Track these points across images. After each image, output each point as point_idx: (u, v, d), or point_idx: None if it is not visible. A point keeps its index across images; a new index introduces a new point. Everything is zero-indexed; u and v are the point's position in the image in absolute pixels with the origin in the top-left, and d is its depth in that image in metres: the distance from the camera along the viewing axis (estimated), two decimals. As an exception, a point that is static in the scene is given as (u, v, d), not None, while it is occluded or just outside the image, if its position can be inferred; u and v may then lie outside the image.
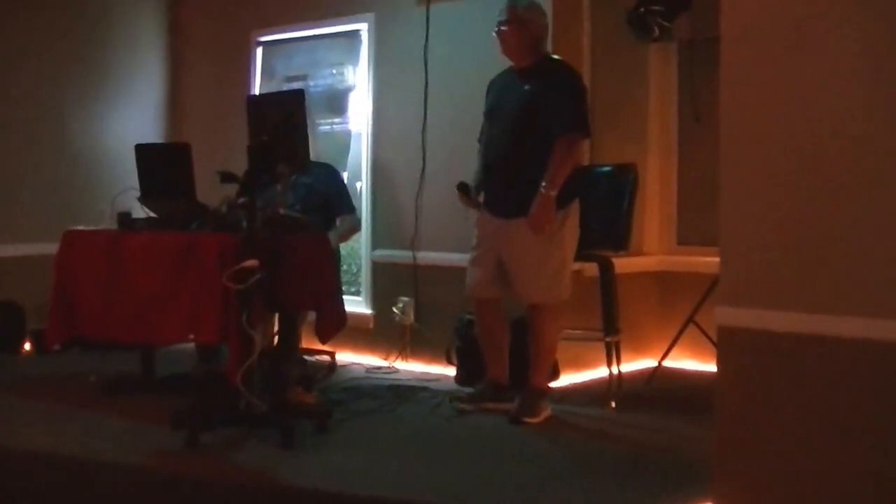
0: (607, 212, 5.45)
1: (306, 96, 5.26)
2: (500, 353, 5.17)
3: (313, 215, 5.60)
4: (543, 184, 4.77)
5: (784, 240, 3.18)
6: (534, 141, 4.85)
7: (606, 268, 5.39)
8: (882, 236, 3.01)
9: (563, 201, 4.83)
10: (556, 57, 5.12)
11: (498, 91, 5.10)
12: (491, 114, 5.09)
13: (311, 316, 5.51)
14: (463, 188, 5.08)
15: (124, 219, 5.51)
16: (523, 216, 4.83)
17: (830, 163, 3.09)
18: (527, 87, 4.92)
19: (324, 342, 5.38)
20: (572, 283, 5.02)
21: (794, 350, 3.15)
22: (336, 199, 6.10)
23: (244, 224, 4.64)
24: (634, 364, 6.06)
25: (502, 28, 4.97)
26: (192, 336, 5.01)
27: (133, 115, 6.86)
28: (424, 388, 5.59)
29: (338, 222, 6.11)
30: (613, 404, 5.18)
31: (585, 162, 5.52)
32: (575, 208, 4.94)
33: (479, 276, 5.06)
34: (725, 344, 3.32)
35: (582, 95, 4.94)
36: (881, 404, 3.01)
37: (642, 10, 5.74)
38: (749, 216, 3.25)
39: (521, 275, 4.92)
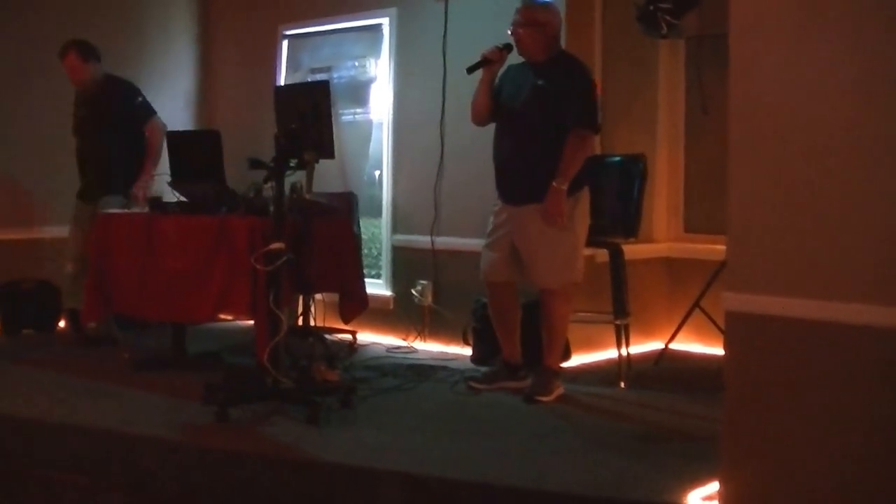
0: (618, 200, 5.53)
1: (330, 87, 5.41)
2: (513, 334, 5.22)
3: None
4: (555, 179, 4.85)
5: (791, 227, 3.16)
6: (544, 133, 4.94)
7: (617, 254, 5.48)
8: (890, 223, 3.00)
9: (572, 189, 4.91)
10: (570, 53, 5.19)
11: (512, 83, 5.14)
12: (503, 105, 5.13)
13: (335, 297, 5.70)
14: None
15: (156, 203, 5.67)
16: (535, 203, 4.91)
17: (838, 150, 3.08)
18: (540, 82, 4.98)
19: (346, 322, 5.58)
20: (584, 268, 5.10)
21: (799, 336, 3.14)
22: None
23: (271, 208, 4.76)
24: (643, 346, 6.12)
25: (518, 30, 5.02)
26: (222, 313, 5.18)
27: (165, 103, 6.91)
28: (443, 367, 5.68)
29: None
30: (623, 384, 5.27)
31: (597, 151, 5.59)
32: (584, 195, 5.03)
33: (493, 260, 5.12)
34: (732, 329, 3.30)
35: (592, 92, 4.99)
36: (886, 390, 3.00)
37: (651, 7, 5.77)
38: (757, 203, 3.23)
39: (534, 260, 4.99)
